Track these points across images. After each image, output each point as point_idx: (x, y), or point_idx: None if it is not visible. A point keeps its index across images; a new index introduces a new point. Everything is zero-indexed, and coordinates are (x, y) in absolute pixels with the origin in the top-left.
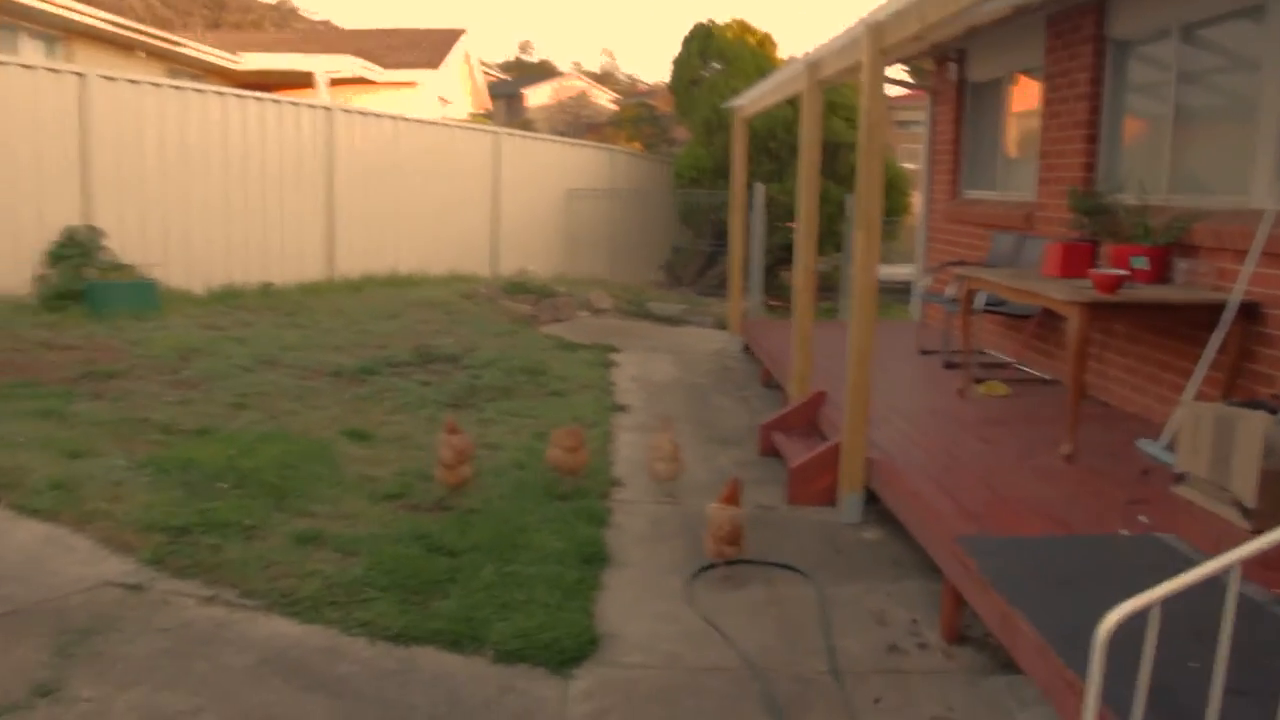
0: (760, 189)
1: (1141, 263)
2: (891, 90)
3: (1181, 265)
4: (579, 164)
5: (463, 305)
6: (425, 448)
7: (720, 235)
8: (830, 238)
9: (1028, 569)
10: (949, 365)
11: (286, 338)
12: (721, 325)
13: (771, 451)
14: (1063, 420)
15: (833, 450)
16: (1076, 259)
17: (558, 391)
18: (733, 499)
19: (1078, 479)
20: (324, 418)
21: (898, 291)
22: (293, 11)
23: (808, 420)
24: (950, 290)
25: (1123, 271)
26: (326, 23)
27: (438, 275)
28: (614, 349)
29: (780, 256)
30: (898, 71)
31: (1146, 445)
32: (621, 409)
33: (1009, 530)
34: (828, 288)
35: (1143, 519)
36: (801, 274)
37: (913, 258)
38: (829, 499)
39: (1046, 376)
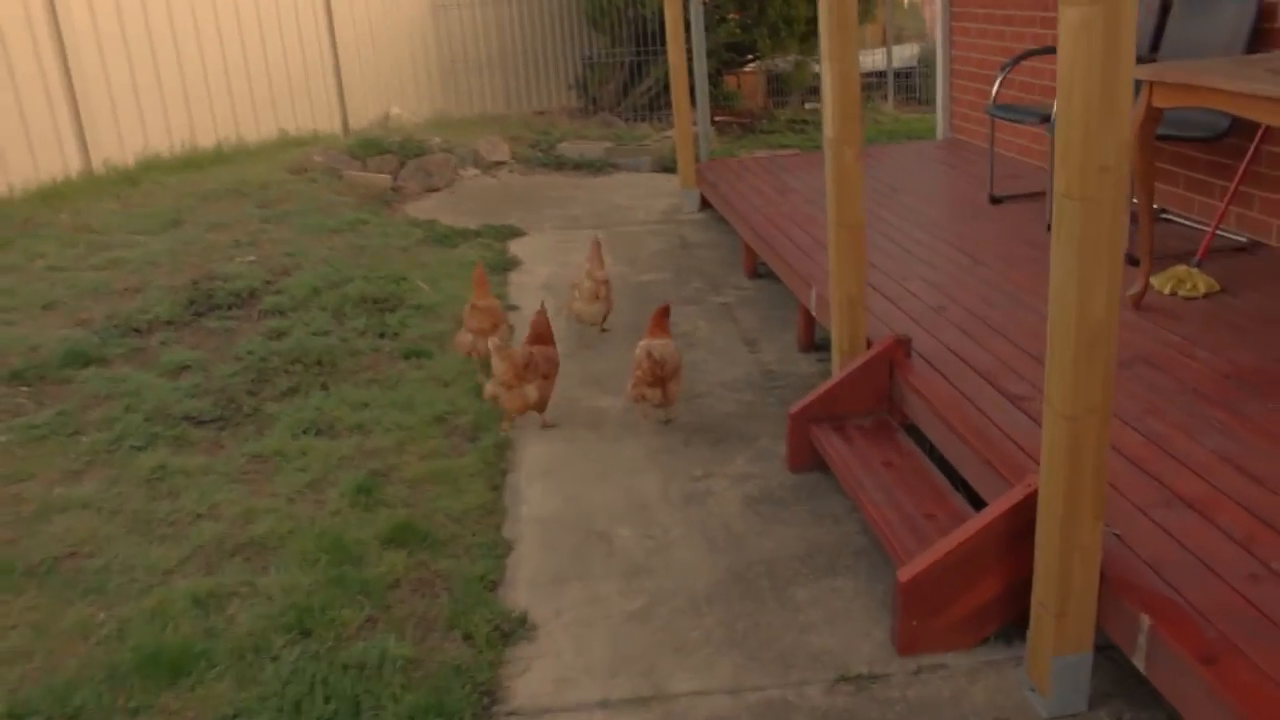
0: None
1: None
2: None
3: None
4: None
5: (289, 187)
6: (109, 589)
7: (643, 39)
8: (790, 27)
9: None
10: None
11: None
12: (665, 167)
13: (811, 463)
14: None
15: (992, 529)
16: None
17: (417, 350)
18: (660, 328)
19: None
20: None
21: (874, 86)
22: None
23: (875, 394)
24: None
25: None
26: None
27: (261, 141)
28: (515, 231)
29: (725, 59)
30: None
31: None
32: None
33: None
34: (781, 95)
35: None
36: (838, 92)
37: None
38: (984, 633)
39: (1241, 238)
